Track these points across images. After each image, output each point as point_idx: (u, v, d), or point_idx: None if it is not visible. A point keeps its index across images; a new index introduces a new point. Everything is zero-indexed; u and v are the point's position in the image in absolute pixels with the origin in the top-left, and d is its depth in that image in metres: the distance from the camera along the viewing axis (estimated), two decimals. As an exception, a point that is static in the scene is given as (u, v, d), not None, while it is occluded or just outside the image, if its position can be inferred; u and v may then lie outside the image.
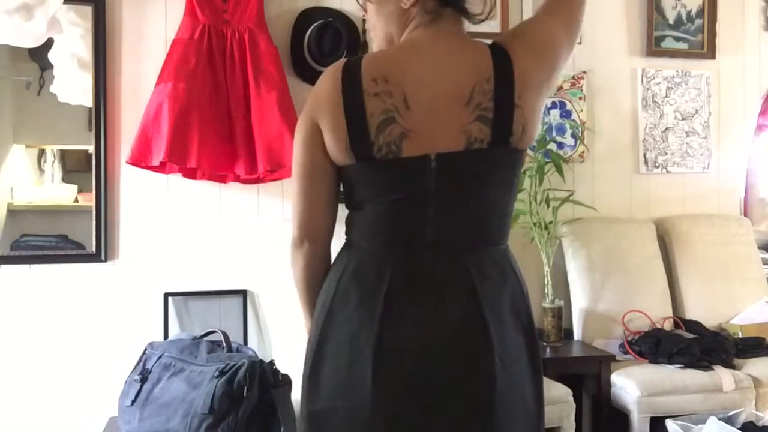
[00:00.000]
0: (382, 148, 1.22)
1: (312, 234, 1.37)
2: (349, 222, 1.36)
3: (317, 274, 1.40)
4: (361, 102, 1.22)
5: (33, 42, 2.66)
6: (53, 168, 2.92)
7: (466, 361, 1.21)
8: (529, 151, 3.24)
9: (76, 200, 2.90)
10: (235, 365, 2.22)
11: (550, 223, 3.11)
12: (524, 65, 1.25)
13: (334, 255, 1.42)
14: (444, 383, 1.21)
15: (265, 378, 2.23)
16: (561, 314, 3.07)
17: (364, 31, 3.09)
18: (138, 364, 2.46)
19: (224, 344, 2.40)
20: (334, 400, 1.25)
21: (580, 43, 3.40)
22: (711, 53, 3.56)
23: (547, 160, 3.14)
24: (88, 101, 2.83)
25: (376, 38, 1.40)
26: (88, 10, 2.82)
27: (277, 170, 2.86)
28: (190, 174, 2.86)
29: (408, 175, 1.23)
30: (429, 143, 1.22)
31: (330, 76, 1.27)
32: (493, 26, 3.29)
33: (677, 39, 3.53)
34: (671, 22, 3.52)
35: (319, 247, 1.39)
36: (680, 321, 3.16)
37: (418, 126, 1.22)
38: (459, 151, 1.22)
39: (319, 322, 1.32)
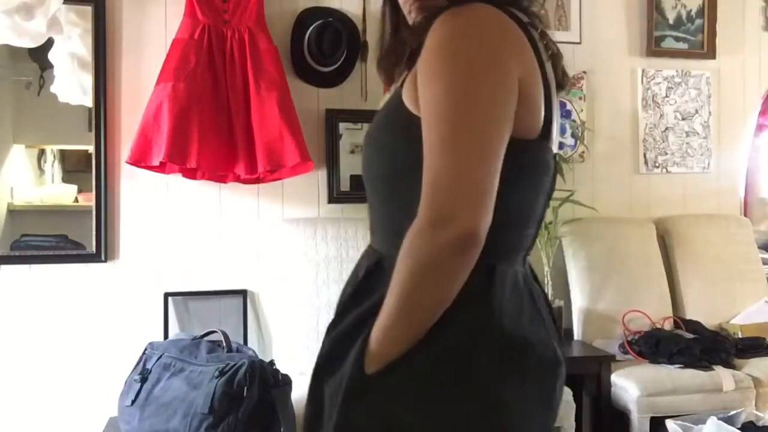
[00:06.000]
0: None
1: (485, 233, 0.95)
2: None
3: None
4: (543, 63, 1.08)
5: (33, 42, 2.66)
6: (53, 168, 2.92)
7: None
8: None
9: (76, 200, 2.90)
10: (235, 365, 2.22)
11: (550, 223, 3.11)
12: None
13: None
14: None
15: (265, 378, 2.22)
16: (561, 314, 3.07)
17: (364, 30, 3.09)
18: (138, 364, 2.46)
19: (224, 344, 2.39)
20: None
21: (580, 43, 3.40)
22: (711, 53, 3.56)
23: (547, 160, 3.13)
24: (88, 101, 2.83)
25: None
26: (88, 10, 2.82)
27: (276, 170, 2.86)
28: (190, 174, 2.86)
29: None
30: None
31: (505, 18, 1.04)
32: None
33: (677, 39, 3.53)
34: (671, 22, 3.52)
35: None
36: (680, 321, 3.16)
37: None
38: None
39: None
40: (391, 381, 1.00)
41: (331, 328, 1.13)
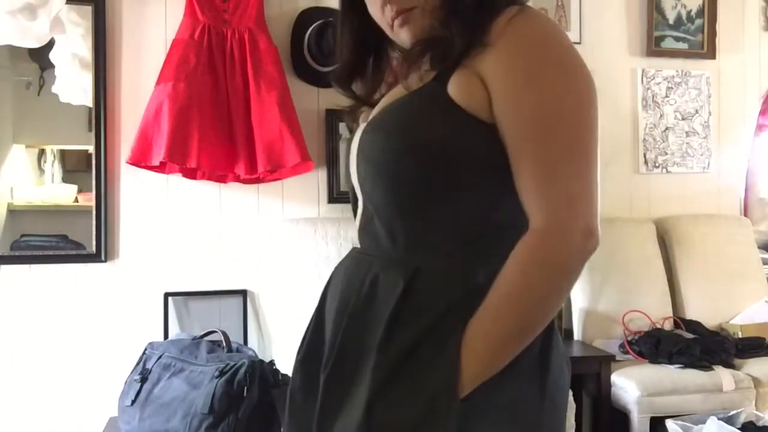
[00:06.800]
0: None
1: None
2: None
3: None
4: None
5: (36, 42, 2.66)
6: (53, 168, 2.92)
7: None
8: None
9: (76, 200, 2.90)
10: (235, 365, 2.22)
11: (550, 223, 3.10)
12: None
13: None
14: None
15: (265, 378, 2.23)
16: (561, 314, 3.07)
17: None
18: (138, 364, 2.46)
19: (224, 344, 2.40)
20: None
21: (580, 43, 3.40)
22: (711, 53, 3.56)
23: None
24: (89, 101, 2.83)
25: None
26: (88, 10, 2.82)
27: (276, 170, 2.86)
28: (190, 174, 2.86)
29: None
30: None
31: None
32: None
33: (677, 39, 3.53)
34: (671, 22, 3.52)
35: None
36: (680, 321, 3.16)
37: None
38: None
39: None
40: (488, 401, 0.95)
41: (381, 348, 0.99)
